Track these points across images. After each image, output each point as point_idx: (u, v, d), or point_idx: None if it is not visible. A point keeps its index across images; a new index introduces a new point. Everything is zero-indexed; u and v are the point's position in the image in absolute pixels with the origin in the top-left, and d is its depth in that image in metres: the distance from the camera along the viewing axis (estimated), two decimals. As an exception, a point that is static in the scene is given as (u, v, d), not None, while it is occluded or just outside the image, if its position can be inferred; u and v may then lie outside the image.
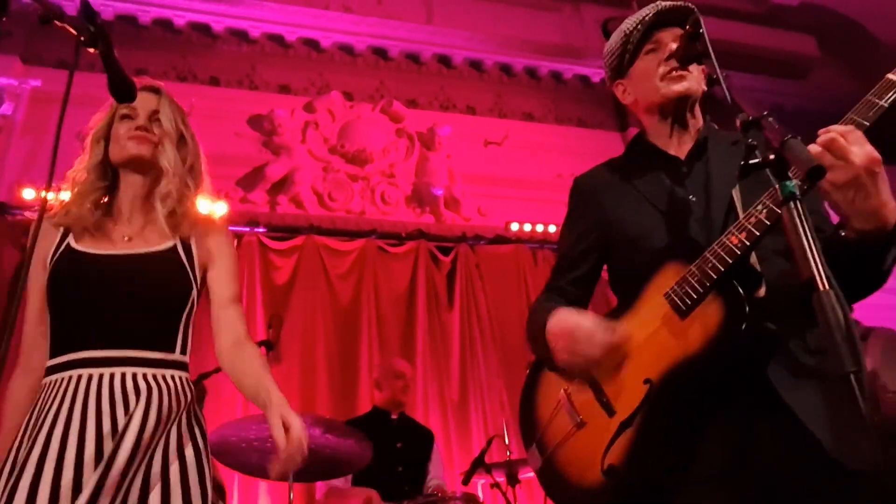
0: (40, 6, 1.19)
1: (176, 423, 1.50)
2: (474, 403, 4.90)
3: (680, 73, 1.47)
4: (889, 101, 1.20)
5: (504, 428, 3.80)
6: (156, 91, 1.75)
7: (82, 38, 1.27)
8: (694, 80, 1.48)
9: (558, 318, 1.45)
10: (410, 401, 4.45)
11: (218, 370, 3.15)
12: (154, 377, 1.51)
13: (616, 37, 1.59)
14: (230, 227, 4.91)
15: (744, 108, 1.12)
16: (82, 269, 1.57)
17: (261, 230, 5.03)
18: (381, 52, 5.90)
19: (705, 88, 1.51)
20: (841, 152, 1.13)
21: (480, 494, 3.94)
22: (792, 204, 0.98)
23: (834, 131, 1.15)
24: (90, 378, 1.48)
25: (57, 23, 1.23)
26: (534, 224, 5.49)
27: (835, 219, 1.29)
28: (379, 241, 5.26)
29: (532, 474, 3.53)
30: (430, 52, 5.95)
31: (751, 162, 1.04)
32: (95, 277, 1.57)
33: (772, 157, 1.01)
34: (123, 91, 1.45)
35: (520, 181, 5.69)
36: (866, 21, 6.57)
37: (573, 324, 1.41)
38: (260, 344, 3.44)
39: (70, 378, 1.48)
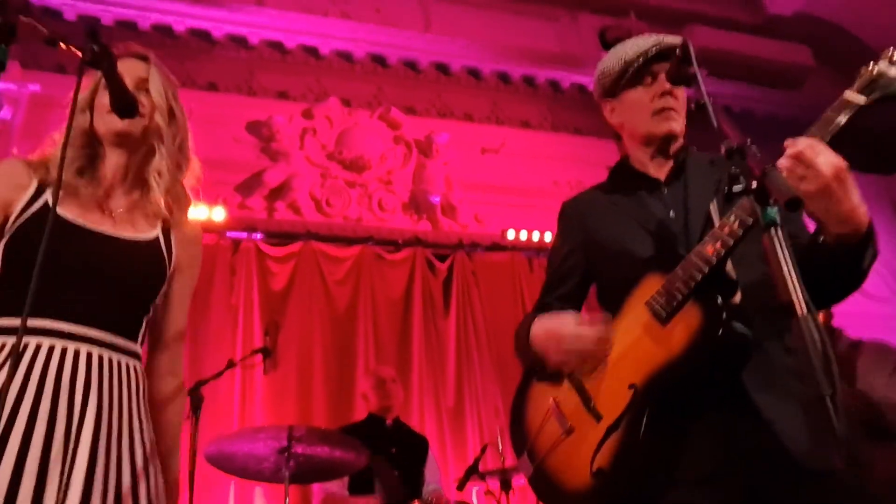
0: (45, 29, 1.22)
1: (137, 419, 1.46)
2: (470, 410, 4.93)
3: (669, 113, 1.54)
4: (846, 118, 1.27)
5: (498, 435, 3.84)
6: (144, 59, 1.63)
7: (86, 59, 1.30)
8: (681, 118, 1.56)
9: (541, 323, 1.51)
10: (406, 407, 4.49)
11: (215, 377, 3.19)
12: (118, 363, 1.46)
13: (614, 60, 1.63)
14: (228, 234, 4.96)
15: (728, 134, 1.16)
16: (67, 237, 1.46)
17: (258, 236, 5.06)
18: (379, 60, 5.92)
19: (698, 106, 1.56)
20: (809, 163, 1.19)
21: (475, 501, 3.97)
22: (773, 231, 1.02)
23: (800, 144, 1.21)
24: (52, 349, 1.39)
25: (62, 45, 1.26)
26: (530, 231, 5.52)
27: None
28: (376, 248, 5.30)
29: (525, 481, 3.57)
30: (427, 60, 5.98)
31: (734, 189, 1.08)
32: (82, 250, 1.47)
33: (754, 184, 1.05)
34: (125, 108, 1.47)
35: (516, 189, 5.73)
36: (860, 31, 6.63)
37: (557, 324, 1.47)
38: (257, 351, 3.49)
39: (30, 345, 1.38)
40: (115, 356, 1.46)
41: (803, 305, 0.97)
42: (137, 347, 1.53)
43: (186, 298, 1.66)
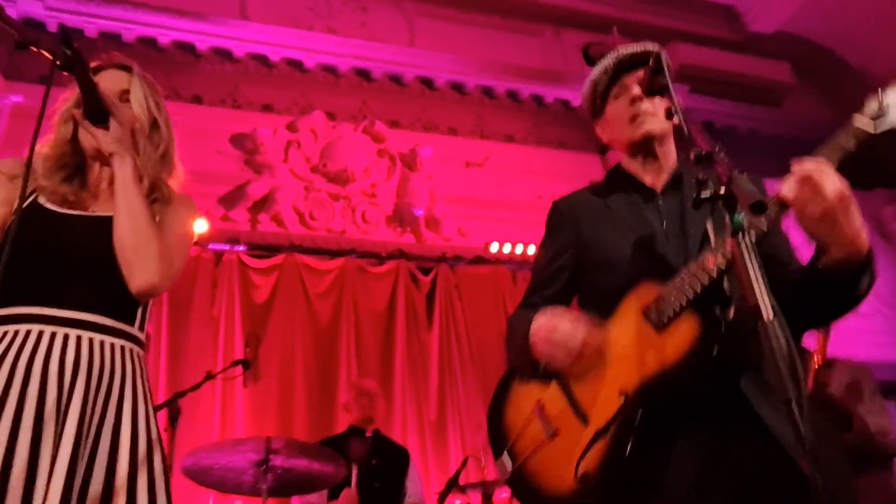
0: (17, 32, 1.21)
1: (130, 401, 1.44)
2: (452, 423, 4.91)
3: (643, 116, 1.55)
4: (855, 143, 1.26)
5: (480, 448, 3.82)
6: (126, 69, 1.63)
7: (58, 63, 1.29)
8: (658, 120, 1.55)
9: (543, 317, 1.47)
10: (388, 419, 4.46)
11: (193, 389, 3.16)
12: (112, 346, 1.45)
13: (588, 82, 1.68)
14: (211, 245, 4.93)
15: (697, 142, 1.17)
16: (49, 225, 1.49)
17: (241, 248, 5.04)
18: (364, 73, 5.95)
19: (676, 122, 1.56)
20: (815, 187, 1.18)
21: (456, 515, 3.94)
22: (741, 236, 1.03)
23: (808, 165, 1.20)
24: (41, 334, 1.39)
25: (33, 48, 1.25)
26: (513, 245, 5.53)
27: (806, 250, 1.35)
28: (359, 261, 5.28)
29: (507, 495, 3.55)
30: (412, 74, 6.01)
31: (702, 195, 1.08)
32: (63, 234, 1.48)
33: (722, 190, 1.06)
34: (97, 114, 1.47)
35: (500, 202, 5.74)
36: (840, 49, 6.73)
37: (557, 320, 1.43)
38: (237, 363, 3.46)
39: (19, 332, 1.39)
40: (109, 339, 1.45)
41: (769, 310, 0.97)
42: (135, 330, 1.52)
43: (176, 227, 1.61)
